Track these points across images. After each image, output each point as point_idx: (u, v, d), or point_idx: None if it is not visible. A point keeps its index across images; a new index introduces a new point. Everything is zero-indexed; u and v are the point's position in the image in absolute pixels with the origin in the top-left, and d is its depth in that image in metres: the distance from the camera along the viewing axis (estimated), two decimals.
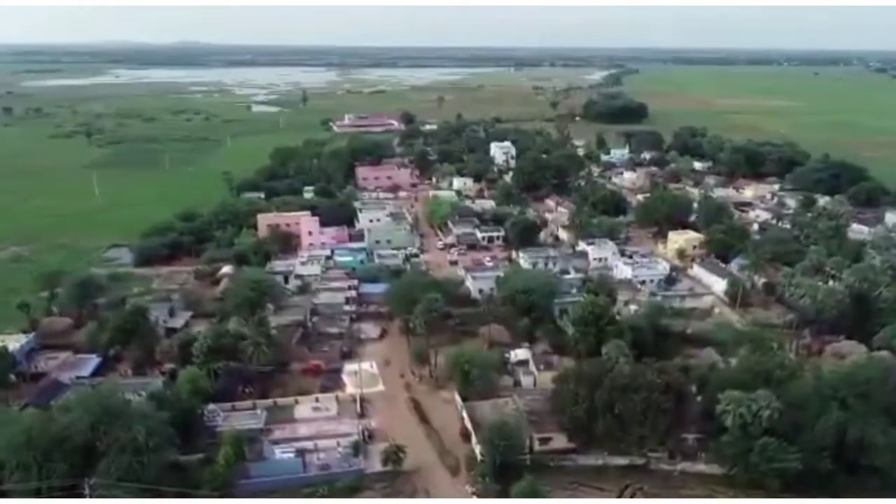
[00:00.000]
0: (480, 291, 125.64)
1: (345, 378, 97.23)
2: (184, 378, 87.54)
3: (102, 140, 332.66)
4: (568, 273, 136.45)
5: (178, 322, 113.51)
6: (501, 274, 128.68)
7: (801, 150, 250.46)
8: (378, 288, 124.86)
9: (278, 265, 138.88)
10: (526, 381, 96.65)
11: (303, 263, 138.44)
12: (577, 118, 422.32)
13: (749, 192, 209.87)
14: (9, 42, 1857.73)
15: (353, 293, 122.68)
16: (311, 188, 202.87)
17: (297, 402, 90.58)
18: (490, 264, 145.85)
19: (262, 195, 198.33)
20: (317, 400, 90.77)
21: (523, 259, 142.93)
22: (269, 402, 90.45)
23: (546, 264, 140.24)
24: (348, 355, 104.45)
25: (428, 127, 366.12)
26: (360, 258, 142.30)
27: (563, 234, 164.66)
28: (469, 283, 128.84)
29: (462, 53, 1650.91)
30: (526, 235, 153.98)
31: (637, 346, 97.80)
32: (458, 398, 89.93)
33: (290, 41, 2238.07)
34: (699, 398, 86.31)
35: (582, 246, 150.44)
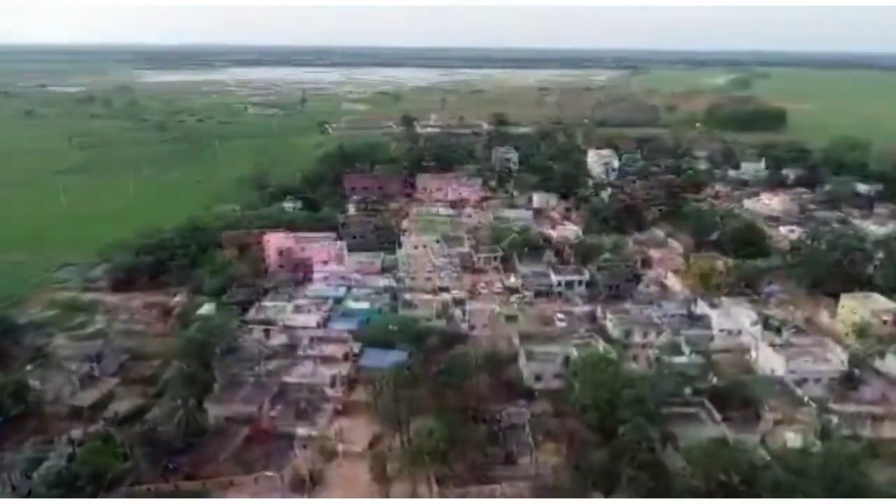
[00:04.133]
0: (537, 379, 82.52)
1: None
2: (82, 457, 54.14)
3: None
4: (679, 352, 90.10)
5: (90, 396, 78.89)
6: (574, 352, 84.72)
7: None
8: (387, 358, 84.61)
9: (268, 307, 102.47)
10: None
11: (298, 308, 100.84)
12: (698, 125, 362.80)
13: None
14: (132, 42, 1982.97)
15: (346, 367, 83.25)
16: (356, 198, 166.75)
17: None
18: (562, 324, 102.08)
19: (300, 205, 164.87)
20: None
21: (611, 323, 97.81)
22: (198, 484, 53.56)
23: (646, 335, 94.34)
24: (302, 486, 65.02)
25: (521, 130, 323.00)
26: (378, 305, 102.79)
27: (675, 283, 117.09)
28: (523, 361, 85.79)
29: (571, 55, 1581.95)
30: (619, 285, 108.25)
31: None
32: None
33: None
34: None
35: (702, 307, 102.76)
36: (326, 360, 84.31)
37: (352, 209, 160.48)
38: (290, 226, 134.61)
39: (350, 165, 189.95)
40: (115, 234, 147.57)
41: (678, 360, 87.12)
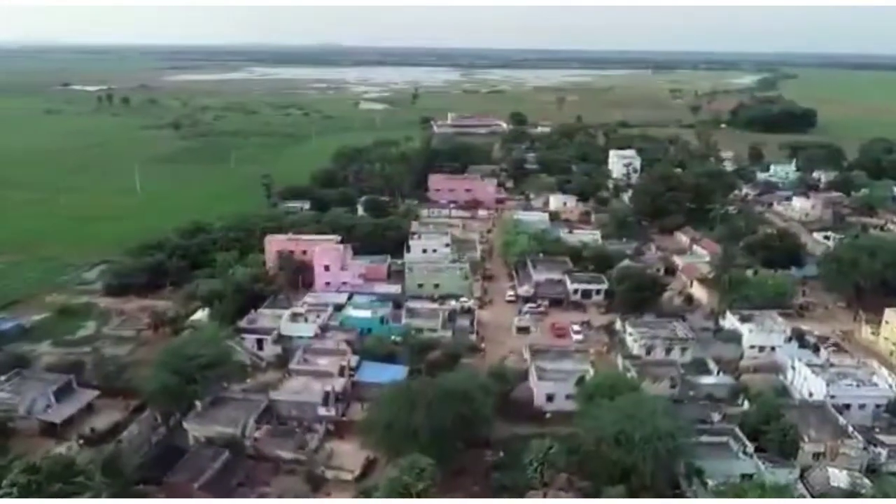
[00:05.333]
0: (549, 399, 75.39)
1: None
2: (38, 485, 50.01)
3: (188, 133, 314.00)
4: (706, 371, 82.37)
5: (66, 410, 73.34)
6: (590, 370, 77.49)
7: None
8: (386, 373, 78.18)
9: (264, 314, 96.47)
10: None
11: (295, 316, 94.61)
12: (723, 125, 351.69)
13: None
14: (165, 42, 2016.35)
15: (340, 383, 76.70)
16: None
17: None
18: (578, 336, 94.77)
19: (307, 205, 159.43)
20: None
21: (631, 337, 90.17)
22: None
23: (669, 351, 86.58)
24: None
25: (540, 129, 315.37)
26: (380, 314, 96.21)
27: (701, 294, 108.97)
28: (533, 379, 78.59)
29: (595, 56, 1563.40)
30: (640, 295, 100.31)
31: None
32: None
33: (423, 43, 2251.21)
34: None
35: (731, 321, 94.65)
36: (320, 374, 77.78)
37: (360, 210, 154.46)
38: (295, 227, 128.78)
39: (361, 164, 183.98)
40: (115, 235, 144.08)
41: (705, 380, 79.48)
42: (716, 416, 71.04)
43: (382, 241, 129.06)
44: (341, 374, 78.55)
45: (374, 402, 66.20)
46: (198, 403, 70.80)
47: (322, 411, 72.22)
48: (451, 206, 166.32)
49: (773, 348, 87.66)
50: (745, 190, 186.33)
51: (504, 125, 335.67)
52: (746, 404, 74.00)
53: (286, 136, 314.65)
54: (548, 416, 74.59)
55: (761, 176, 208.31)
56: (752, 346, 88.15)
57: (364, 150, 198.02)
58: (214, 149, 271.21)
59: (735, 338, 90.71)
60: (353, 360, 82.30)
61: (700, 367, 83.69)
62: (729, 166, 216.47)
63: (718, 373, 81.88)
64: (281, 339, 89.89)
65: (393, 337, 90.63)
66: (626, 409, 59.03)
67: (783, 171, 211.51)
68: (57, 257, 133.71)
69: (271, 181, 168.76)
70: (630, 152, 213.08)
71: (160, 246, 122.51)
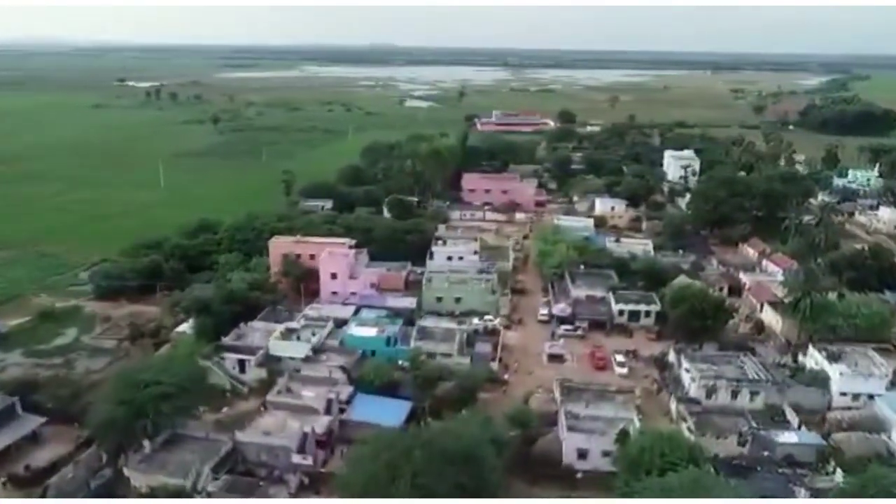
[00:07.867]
0: (582, 456, 59.75)
1: None
2: None
3: (226, 127, 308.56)
4: (784, 424, 65.18)
5: (5, 438, 62.05)
6: (635, 420, 61.58)
7: None
8: (384, 410, 64.20)
9: (256, 328, 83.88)
10: None
11: (288, 333, 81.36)
12: (791, 127, 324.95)
13: None
14: (225, 42, 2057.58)
15: (324, 422, 62.83)
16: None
17: None
18: (622, 369, 78.65)
19: (329, 205, 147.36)
20: None
21: (687, 374, 73.40)
22: None
23: (735, 394, 69.54)
24: None
25: (589, 128, 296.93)
26: (388, 333, 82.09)
27: (773, 321, 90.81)
28: (563, 429, 62.92)
29: (651, 56, 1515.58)
30: (700, 321, 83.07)
31: None
32: None
33: (475, 43, 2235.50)
34: None
35: (815, 357, 76.66)
36: (301, 410, 64.21)
37: (385, 211, 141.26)
38: (308, 228, 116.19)
39: (391, 161, 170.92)
40: (124, 232, 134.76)
41: (784, 437, 62.20)
42: (801, 493, 54.16)
43: (404, 245, 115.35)
44: (328, 409, 64.77)
45: (351, 459, 52.10)
46: (146, 443, 58.20)
47: (297, 459, 58.57)
48: (486, 208, 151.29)
49: (870, 397, 69.58)
50: (821, 197, 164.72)
51: (551, 123, 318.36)
52: (840, 475, 56.78)
53: (325, 132, 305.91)
54: (579, 476, 59.16)
55: (838, 182, 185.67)
56: (844, 393, 70.25)
57: (396, 145, 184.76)
58: (250, 144, 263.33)
59: (820, 380, 72.85)
60: (347, 391, 68.51)
61: (776, 417, 66.67)
62: (801, 170, 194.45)
63: (800, 427, 64.64)
64: (269, 359, 76.96)
65: (400, 362, 76.58)
66: (681, 495, 43.14)
67: (864, 176, 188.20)
68: (57, 255, 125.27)
69: (292, 178, 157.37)
70: (688, 153, 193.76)
71: (158, 245, 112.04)
